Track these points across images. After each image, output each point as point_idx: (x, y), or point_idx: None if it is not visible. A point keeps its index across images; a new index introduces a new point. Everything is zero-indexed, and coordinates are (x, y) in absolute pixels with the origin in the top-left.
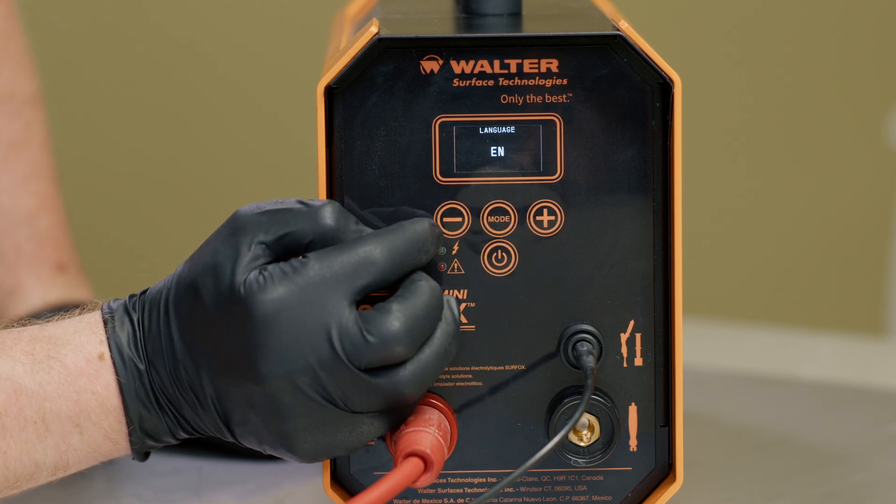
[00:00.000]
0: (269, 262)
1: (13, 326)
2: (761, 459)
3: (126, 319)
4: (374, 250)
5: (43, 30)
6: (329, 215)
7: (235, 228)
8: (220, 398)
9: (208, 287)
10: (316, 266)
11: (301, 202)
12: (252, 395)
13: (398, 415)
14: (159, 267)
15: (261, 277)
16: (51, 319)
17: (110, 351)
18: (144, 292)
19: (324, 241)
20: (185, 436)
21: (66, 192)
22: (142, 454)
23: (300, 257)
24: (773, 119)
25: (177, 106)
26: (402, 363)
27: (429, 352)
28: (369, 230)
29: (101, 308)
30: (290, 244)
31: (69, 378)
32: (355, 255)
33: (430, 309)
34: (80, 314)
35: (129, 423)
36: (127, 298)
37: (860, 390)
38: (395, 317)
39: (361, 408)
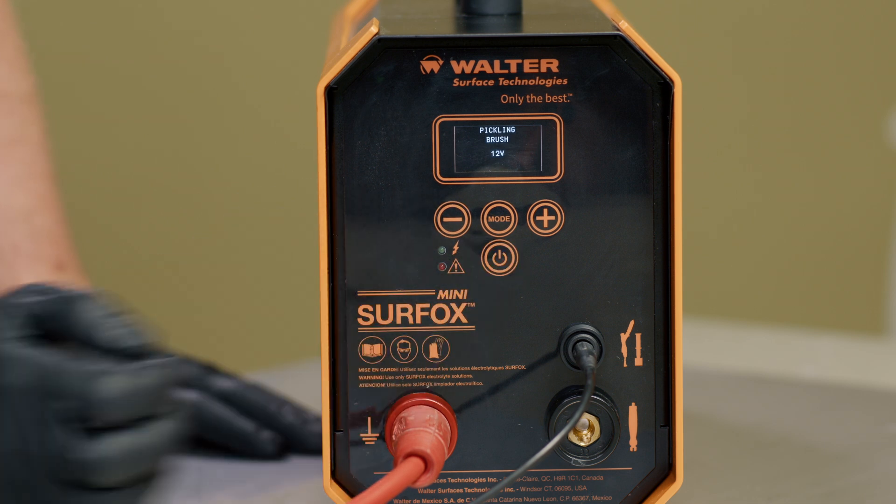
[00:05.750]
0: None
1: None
2: (761, 459)
3: None
4: (109, 383)
5: (37, 28)
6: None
7: None
8: None
9: None
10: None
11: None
12: None
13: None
14: (158, 266)
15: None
16: None
17: None
18: None
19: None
20: None
21: (63, 191)
22: None
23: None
24: (773, 119)
25: (176, 105)
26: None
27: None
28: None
29: None
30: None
31: None
32: (86, 382)
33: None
34: None
35: None
36: None
37: (860, 390)
38: (113, 443)
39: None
